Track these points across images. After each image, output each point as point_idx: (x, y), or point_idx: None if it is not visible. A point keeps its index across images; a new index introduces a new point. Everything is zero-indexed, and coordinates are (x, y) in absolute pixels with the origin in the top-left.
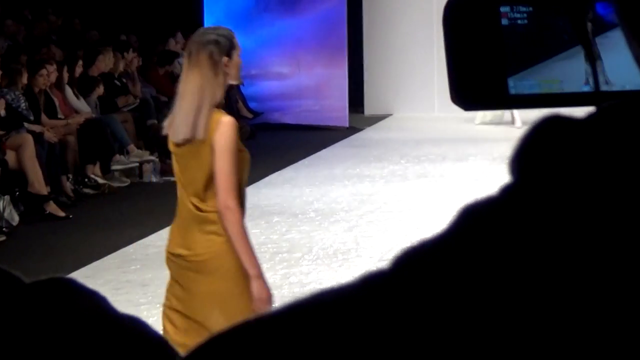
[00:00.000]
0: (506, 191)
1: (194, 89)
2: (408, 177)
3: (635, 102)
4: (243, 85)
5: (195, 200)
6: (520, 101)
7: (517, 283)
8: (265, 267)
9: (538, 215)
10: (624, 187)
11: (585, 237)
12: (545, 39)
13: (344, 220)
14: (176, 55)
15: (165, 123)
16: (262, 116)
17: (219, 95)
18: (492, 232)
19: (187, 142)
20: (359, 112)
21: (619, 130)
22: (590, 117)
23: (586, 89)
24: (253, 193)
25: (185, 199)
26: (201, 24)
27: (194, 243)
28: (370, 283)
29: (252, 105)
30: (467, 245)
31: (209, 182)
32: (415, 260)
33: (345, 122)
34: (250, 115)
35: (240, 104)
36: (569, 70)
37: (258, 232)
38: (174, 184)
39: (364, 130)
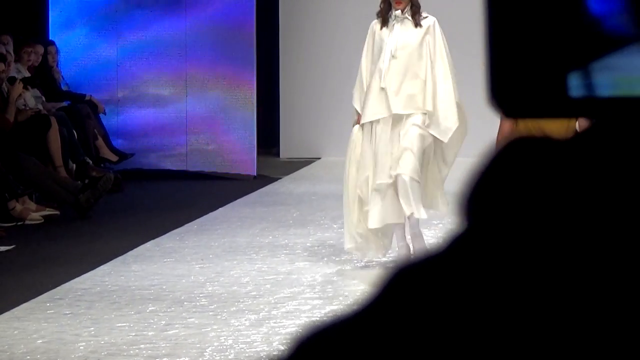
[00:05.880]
0: (452, 244)
1: None
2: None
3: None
4: (105, 114)
5: None
6: (585, 108)
7: None
8: None
9: (485, 281)
10: (602, 248)
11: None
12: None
13: (250, 310)
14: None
15: None
16: (132, 159)
17: None
18: (422, 305)
19: None
20: (272, 155)
21: (608, 163)
22: (574, 139)
23: None
24: (119, 270)
25: None
26: (45, 22)
27: None
28: None
29: (117, 143)
30: (386, 325)
31: None
32: (317, 350)
33: (252, 168)
34: (114, 158)
35: (101, 141)
36: None
37: (126, 327)
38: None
39: (279, 181)
